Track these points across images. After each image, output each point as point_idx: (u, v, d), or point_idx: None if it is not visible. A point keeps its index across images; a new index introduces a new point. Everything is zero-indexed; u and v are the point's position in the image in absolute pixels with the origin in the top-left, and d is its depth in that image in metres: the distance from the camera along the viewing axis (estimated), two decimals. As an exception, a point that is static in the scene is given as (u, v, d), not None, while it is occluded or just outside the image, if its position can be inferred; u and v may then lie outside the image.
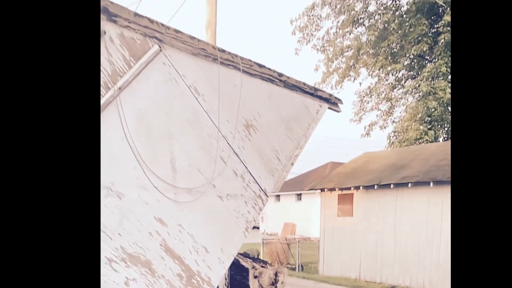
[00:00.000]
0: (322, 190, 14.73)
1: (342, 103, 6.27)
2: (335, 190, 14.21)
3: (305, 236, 22.34)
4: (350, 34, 21.95)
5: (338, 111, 6.31)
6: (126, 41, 4.20)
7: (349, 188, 13.68)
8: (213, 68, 4.83)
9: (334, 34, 22.24)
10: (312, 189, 16.14)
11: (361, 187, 13.25)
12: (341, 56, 22.32)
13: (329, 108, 6.10)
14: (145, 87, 4.36)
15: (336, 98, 6.15)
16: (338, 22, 21.89)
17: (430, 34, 18.84)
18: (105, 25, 4.04)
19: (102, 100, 4.04)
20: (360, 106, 23.29)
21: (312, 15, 21.97)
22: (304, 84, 5.75)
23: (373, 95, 22.86)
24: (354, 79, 22.54)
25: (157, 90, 4.47)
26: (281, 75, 5.44)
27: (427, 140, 18.43)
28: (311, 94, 5.86)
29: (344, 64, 22.31)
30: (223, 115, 4.94)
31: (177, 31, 4.51)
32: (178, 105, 4.63)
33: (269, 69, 5.32)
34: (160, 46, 4.41)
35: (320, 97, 5.97)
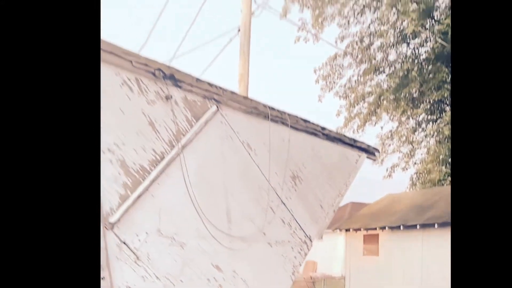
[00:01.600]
0: (347, 230, 14.72)
1: (379, 151, 6.44)
2: (360, 230, 14.18)
3: (327, 274, 22.11)
4: (371, 81, 22.23)
5: (374, 160, 6.48)
6: (188, 104, 4.46)
7: (374, 229, 13.65)
8: (264, 125, 5.05)
9: (355, 82, 22.56)
10: (337, 229, 16.12)
11: (386, 228, 13.21)
12: (363, 101, 22.55)
13: (367, 157, 6.27)
14: (204, 144, 4.58)
15: (373, 148, 6.33)
16: (359, 70, 22.24)
17: (450, 81, 19.00)
18: (171, 90, 4.30)
19: (168, 157, 4.26)
20: (382, 149, 23.33)
21: (335, 64, 22.38)
22: (344, 136, 5.97)
23: (395, 138, 22.92)
24: (375, 123, 22.69)
25: (214, 146, 4.69)
26: (323, 128, 5.65)
27: (450, 181, 18.32)
28: (351, 145, 6.05)
29: (365, 109, 22.51)
30: (272, 167, 5.13)
31: (232, 93, 4.77)
32: (233, 159, 4.84)
33: (313, 123, 5.54)
34: (217, 107, 4.66)
35: (359, 148, 6.15)
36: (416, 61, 20.46)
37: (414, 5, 17.85)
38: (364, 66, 21.89)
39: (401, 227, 12.64)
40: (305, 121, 5.46)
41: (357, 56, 21.70)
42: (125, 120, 4.06)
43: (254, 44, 9.03)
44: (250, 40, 8.85)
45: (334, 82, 22.89)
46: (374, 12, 20.64)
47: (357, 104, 22.72)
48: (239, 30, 9.08)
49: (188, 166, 4.40)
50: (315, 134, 5.60)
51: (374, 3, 19.92)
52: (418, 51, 20.88)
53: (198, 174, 4.52)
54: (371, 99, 22.20)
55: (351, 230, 14.30)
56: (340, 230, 15.39)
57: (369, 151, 6.28)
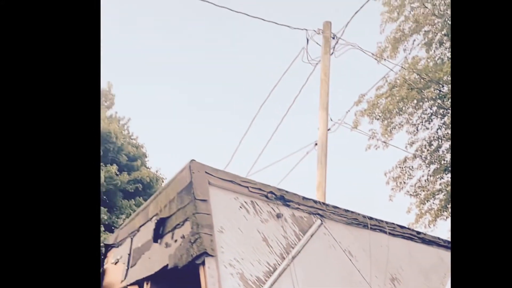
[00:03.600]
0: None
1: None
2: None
3: None
4: (441, 179, 21.63)
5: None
6: (296, 220, 4.84)
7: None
8: (363, 233, 5.30)
9: (425, 181, 22.06)
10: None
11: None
12: (433, 198, 21.89)
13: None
14: (310, 255, 4.88)
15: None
16: (429, 170, 21.77)
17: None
18: (281, 209, 4.72)
19: (279, 269, 4.60)
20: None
21: (405, 167, 22.12)
22: (439, 238, 6.03)
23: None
24: (447, 218, 21.79)
25: (319, 256, 4.97)
26: (419, 233, 5.80)
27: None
28: (445, 247, 6.08)
29: (436, 206, 21.79)
30: (373, 272, 5.29)
31: (334, 207, 5.10)
32: (336, 266, 5.07)
33: (408, 228, 5.71)
34: (321, 221, 4.99)
35: (455, 248, 6.15)
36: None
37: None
38: (433, 167, 21.47)
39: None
40: (402, 227, 5.64)
41: (426, 158, 21.39)
42: (243, 238, 4.48)
43: (329, 154, 9.51)
44: (327, 153, 9.35)
45: (404, 183, 22.49)
46: (441, 119, 20.48)
47: (427, 201, 22.07)
48: (315, 144, 9.61)
49: (297, 275, 4.69)
50: (411, 239, 5.73)
51: (441, 110, 19.84)
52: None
53: (306, 282, 4.79)
54: (441, 195, 21.53)
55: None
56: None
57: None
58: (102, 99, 25.81)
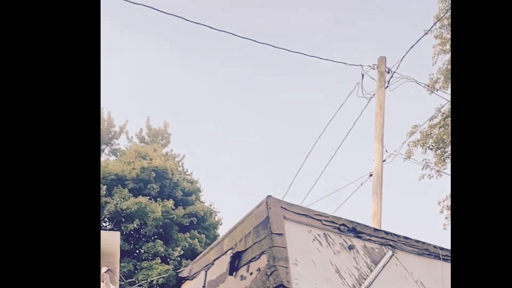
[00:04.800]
0: None
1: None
2: None
3: None
4: None
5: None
6: (368, 251, 4.81)
7: None
8: (435, 264, 5.19)
9: None
10: None
11: None
12: None
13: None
14: (382, 286, 4.81)
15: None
16: None
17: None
18: (353, 241, 4.72)
19: (353, 301, 4.56)
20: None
21: None
22: None
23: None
24: None
25: (391, 287, 4.90)
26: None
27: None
28: None
29: None
30: (445, 302, 5.15)
31: (405, 238, 5.05)
32: (409, 297, 4.98)
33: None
34: (392, 251, 4.94)
35: None
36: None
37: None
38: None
39: None
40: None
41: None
42: (317, 270, 4.50)
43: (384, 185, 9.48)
44: (382, 184, 9.28)
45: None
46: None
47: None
48: (370, 175, 9.56)
49: (370, 307, 4.65)
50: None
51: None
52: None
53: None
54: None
55: None
56: None
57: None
58: (159, 137, 26.61)
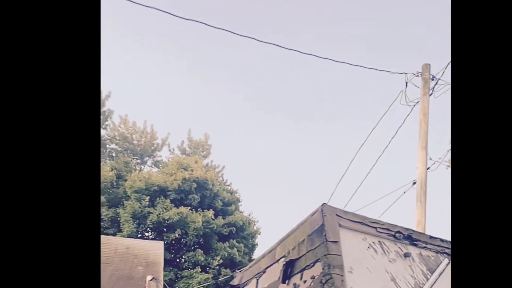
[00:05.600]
0: None
1: None
2: None
3: None
4: None
5: None
6: (423, 259, 4.68)
7: None
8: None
9: None
10: None
11: None
12: None
13: None
14: (439, 295, 4.67)
15: None
16: None
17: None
18: (409, 248, 4.60)
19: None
20: None
21: None
22: None
23: None
24: None
25: (448, 296, 4.75)
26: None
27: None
28: None
29: None
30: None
31: (461, 246, 4.88)
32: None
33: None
34: (449, 259, 4.79)
35: None
36: None
37: None
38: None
39: None
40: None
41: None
42: (372, 278, 4.40)
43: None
44: (426, 192, 9.07)
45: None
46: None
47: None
48: (414, 183, 9.37)
49: (429, 317, 4.50)
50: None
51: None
52: None
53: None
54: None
55: None
56: None
57: None
58: (199, 149, 26.95)
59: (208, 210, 20.35)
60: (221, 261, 20.15)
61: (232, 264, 20.47)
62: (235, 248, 20.76)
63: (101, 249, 12.44)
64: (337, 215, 4.38)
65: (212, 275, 19.30)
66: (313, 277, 4.43)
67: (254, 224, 22.90)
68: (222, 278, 19.01)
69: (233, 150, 45.45)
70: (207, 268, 20.14)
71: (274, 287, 5.13)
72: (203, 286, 18.40)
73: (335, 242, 4.27)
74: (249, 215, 23.15)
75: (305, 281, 4.58)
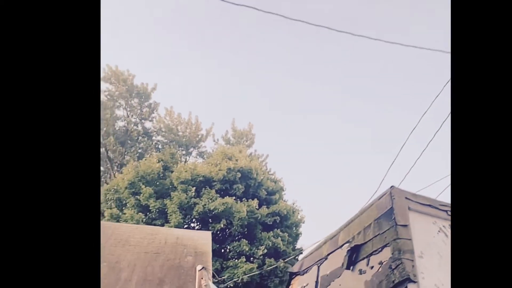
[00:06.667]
0: None
1: None
2: None
3: None
4: None
5: None
6: None
7: None
8: None
9: None
10: None
11: None
12: None
13: None
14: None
15: None
16: None
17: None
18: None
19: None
20: None
21: None
22: None
23: None
24: None
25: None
26: None
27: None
28: None
29: None
30: None
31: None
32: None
33: None
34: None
35: None
36: None
37: None
38: None
39: None
40: None
41: None
42: (443, 263, 4.22)
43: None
44: None
45: None
46: None
47: None
48: None
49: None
50: None
51: None
52: None
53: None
54: None
55: None
56: None
57: None
58: (243, 138, 27.05)
59: (253, 199, 20.36)
60: (266, 250, 20.12)
61: (276, 254, 20.45)
62: (279, 237, 20.68)
63: (152, 240, 12.71)
64: (406, 198, 4.23)
65: (256, 265, 19.31)
66: (381, 263, 4.30)
67: (298, 213, 22.79)
68: (267, 268, 19.03)
69: (276, 138, 45.39)
70: (252, 258, 20.19)
71: (337, 274, 5.03)
72: (248, 276, 18.48)
73: (405, 226, 4.12)
74: (293, 203, 23.06)
75: (372, 267, 4.45)
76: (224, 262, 19.78)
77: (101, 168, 28.73)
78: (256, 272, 18.74)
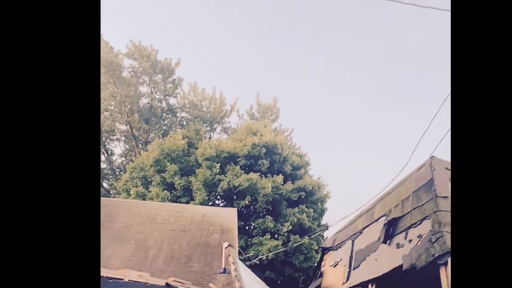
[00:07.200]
0: None
1: None
2: None
3: None
4: None
5: None
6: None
7: None
8: None
9: None
10: None
11: None
12: None
13: None
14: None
15: None
16: None
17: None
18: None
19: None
20: None
21: None
22: None
23: None
24: None
25: None
26: None
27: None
28: None
29: None
30: None
31: None
32: None
33: None
34: None
35: None
36: None
37: None
38: None
39: None
40: None
41: None
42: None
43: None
44: None
45: None
46: None
47: None
48: None
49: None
50: None
51: None
52: None
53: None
54: None
55: None
56: None
57: None
58: (268, 113, 26.86)
59: (278, 175, 20.27)
60: (290, 227, 20.05)
61: (301, 230, 20.38)
62: (304, 213, 20.59)
63: (178, 218, 12.79)
64: (446, 168, 4.04)
65: (281, 242, 19.29)
66: (420, 236, 4.15)
67: (324, 188, 22.64)
68: (292, 245, 19.01)
69: (302, 112, 45.12)
70: (276, 235, 20.17)
71: (373, 248, 4.90)
72: (273, 253, 18.51)
73: (445, 197, 3.95)
74: (319, 178, 22.89)
75: (410, 241, 4.30)
76: (249, 239, 19.83)
77: (126, 146, 29.03)
78: (281, 249, 18.73)
